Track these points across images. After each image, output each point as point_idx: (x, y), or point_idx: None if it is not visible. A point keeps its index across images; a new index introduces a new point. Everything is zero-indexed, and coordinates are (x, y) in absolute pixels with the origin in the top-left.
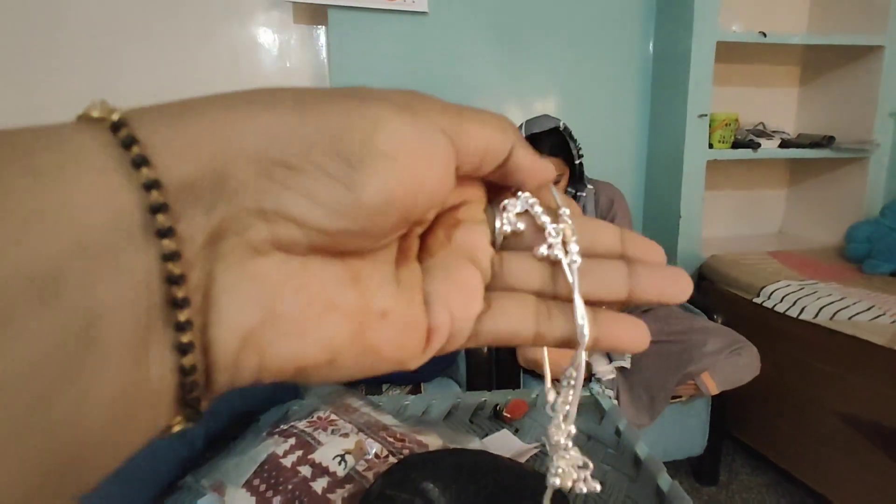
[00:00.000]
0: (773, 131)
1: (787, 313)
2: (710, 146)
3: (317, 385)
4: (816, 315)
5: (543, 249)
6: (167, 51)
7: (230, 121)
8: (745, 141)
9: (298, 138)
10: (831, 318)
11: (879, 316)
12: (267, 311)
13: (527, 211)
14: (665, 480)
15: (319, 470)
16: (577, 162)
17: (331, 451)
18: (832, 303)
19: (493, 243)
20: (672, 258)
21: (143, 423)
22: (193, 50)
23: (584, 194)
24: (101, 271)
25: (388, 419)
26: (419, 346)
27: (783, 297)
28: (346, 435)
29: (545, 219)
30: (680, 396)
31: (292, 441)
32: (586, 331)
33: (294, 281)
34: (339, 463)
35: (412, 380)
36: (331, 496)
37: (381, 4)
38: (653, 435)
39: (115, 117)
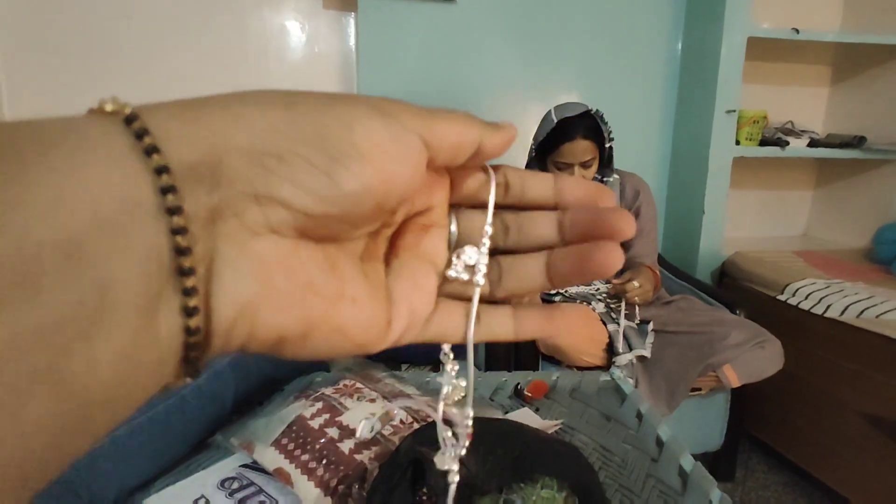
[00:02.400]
0: (802, 130)
1: (811, 311)
2: (737, 143)
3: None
4: (842, 313)
5: (452, 273)
6: (197, 36)
7: (226, 119)
8: (773, 139)
9: (286, 134)
10: (858, 316)
11: None
12: (262, 286)
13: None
14: (688, 460)
15: (347, 432)
16: (607, 145)
17: (358, 414)
18: (859, 301)
19: (449, 247)
20: (694, 254)
21: (151, 376)
22: (223, 35)
23: (609, 180)
24: (115, 244)
25: (411, 390)
26: (380, 334)
27: (808, 295)
28: (372, 401)
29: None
30: (700, 389)
31: (319, 405)
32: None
33: (285, 261)
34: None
35: (431, 361)
36: (358, 456)
37: None
38: (670, 427)
39: (127, 111)
